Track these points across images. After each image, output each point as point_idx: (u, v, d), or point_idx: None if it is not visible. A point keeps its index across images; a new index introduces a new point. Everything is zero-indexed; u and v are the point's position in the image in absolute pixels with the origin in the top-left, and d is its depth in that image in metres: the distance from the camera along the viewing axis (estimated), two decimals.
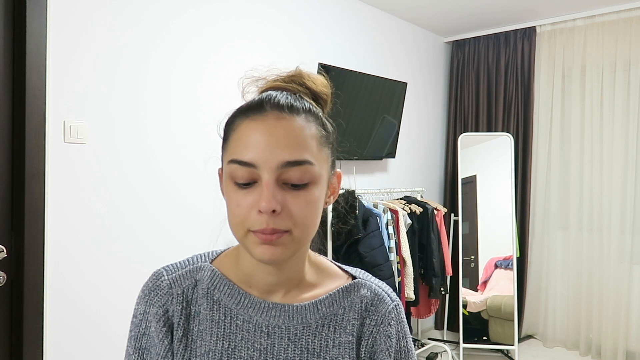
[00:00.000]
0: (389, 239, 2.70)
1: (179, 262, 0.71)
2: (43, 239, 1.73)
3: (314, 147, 0.62)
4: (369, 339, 0.69)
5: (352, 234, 2.52)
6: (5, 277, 1.66)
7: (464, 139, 3.46)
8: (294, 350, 0.66)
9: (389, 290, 0.73)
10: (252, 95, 0.66)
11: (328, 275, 0.73)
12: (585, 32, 3.29)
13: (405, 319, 0.73)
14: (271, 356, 0.65)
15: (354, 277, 0.73)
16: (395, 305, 0.72)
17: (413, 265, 2.84)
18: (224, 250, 0.74)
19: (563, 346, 3.45)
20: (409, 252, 2.81)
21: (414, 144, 3.63)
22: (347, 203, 2.54)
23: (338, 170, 0.70)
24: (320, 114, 0.66)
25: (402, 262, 2.78)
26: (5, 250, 1.65)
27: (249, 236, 0.60)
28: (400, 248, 2.78)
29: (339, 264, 0.76)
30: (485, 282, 3.32)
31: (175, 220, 2.16)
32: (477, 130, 3.76)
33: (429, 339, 3.45)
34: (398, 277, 2.71)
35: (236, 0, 2.38)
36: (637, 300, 3.13)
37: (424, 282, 3.05)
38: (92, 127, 1.87)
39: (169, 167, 2.13)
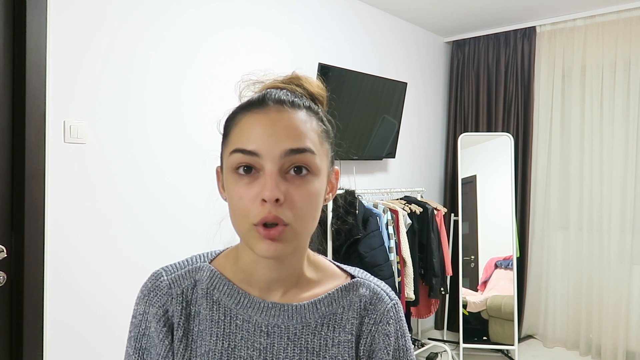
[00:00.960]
0: (389, 239, 2.70)
1: (178, 263, 0.71)
2: (43, 239, 1.73)
3: (315, 140, 0.63)
4: (367, 337, 0.69)
5: (352, 234, 2.52)
6: (5, 277, 1.66)
7: (464, 139, 3.46)
8: (294, 349, 0.66)
9: (388, 289, 0.74)
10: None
11: (327, 275, 0.73)
12: (585, 32, 3.29)
13: (404, 318, 0.73)
14: (271, 355, 0.65)
15: (352, 277, 0.73)
16: (394, 304, 0.72)
17: (413, 265, 2.83)
18: (223, 251, 0.74)
19: (563, 346, 3.45)
20: (409, 252, 2.81)
21: (414, 144, 3.63)
22: (347, 202, 2.54)
23: (336, 167, 0.71)
24: (320, 111, 0.67)
25: (402, 262, 2.78)
26: (5, 250, 1.65)
27: (252, 231, 0.60)
28: (400, 248, 2.78)
29: (338, 263, 0.76)
30: (485, 282, 3.32)
31: (175, 220, 2.16)
32: (477, 130, 3.76)
33: (429, 339, 3.45)
34: (398, 277, 2.71)
35: (236, 0, 2.38)
36: (637, 300, 3.13)
37: (424, 282, 3.05)
38: (92, 127, 1.87)
39: (168, 167, 2.13)
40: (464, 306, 3.31)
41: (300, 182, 0.61)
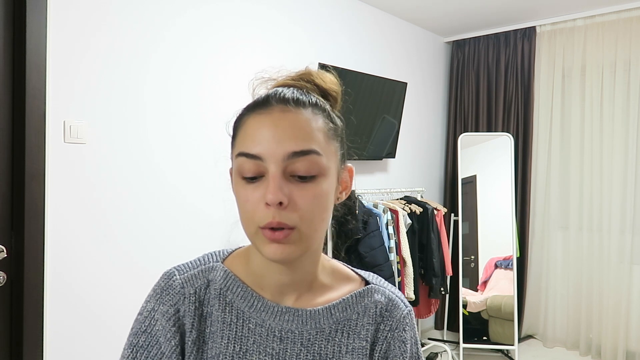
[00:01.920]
0: (389, 239, 2.70)
1: (190, 262, 0.70)
2: (43, 239, 1.73)
3: (321, 139, 0.61)
4: (382, 344, 0.68)
5: (352, 234, 2.52)
6: (5, 277, 1.66)
7: (464, 139, 3.46)
8: (307, 355, 0.65)
9: (402, 296, 0.73)
10: None
11: (341, 279, 0.72)
12: (585, 32, 3.29)
13: (416, 326, 0.73)
14: None
15: (367, 282, 0.72)
16: (409, 311, 0.71)
17: (413, 265, 2.84)
18: (234, 250, 0.72)
19: (563, 346, 3.45)
20: (409, 252, 2.81)
21: (414, 144, 3.63)
22: (348, 202, 2.54)
23: (349, 164, 0.69)
24: (328, 107, 0.65)
25: (402, 262, 2.78)
26: (5, 250, 1.65)
27: (258, 234, 0.59)
28: (400, 248, 2.78)
29: (353, 268, 0.75)
30: (485, 282, 3.32)
31: (175, 220, 2.16)
32: (477, 130, 3.76)
33: (429, 339, 3.45)
34: (398, 277, 2.71)
35: (236, 0, 2.38)
36: (637, 300, 3.13)
37: (424, 282, 3.05)
38: (92, 127, 1.87)
39: (168, 167, 2.13)
40: (464, 306, 3.31)
41: (306, 183, 0.59)
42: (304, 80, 0.66)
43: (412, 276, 2.80)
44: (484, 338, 3.31)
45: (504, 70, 3.63)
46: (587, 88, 3.29)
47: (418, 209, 3.01)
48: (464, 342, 3.25)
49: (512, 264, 3.28)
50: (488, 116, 3.74)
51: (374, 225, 2.60)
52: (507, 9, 3.26)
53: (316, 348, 0.65)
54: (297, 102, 0.61)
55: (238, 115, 0.65)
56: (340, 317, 0.67)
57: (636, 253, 3.14)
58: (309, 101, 0.62)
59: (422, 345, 3.31)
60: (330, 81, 0.67)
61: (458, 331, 3.30)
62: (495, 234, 3.35)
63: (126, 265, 1.98)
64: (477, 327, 3.31)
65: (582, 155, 3.34)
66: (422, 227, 3.03)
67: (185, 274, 0.67)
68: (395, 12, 3.31)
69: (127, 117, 1.98)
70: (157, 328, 0.65)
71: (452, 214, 3.58)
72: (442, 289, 3.07)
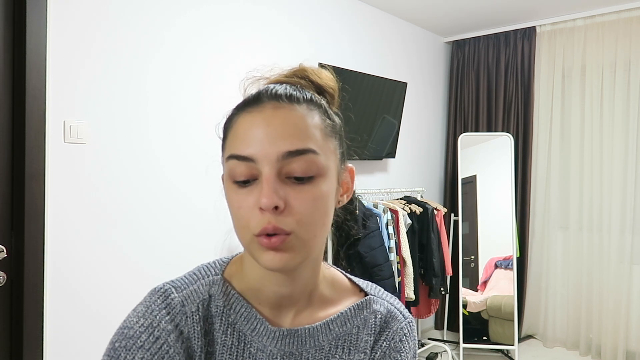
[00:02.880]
0: (389, 239, 2.70)
1: (186, 277, 0.63)
2: (43, 239, 1.73)
3: (317, 137, 0.56)
4: (377, 352, 0.66)
5: (352, 234, 2.52)
6: (5, 277, 1.66)
7: (464, 139, 3.46)
8: None
9: (402, 307, 0.71)
10: None
11: (341, 291, 0.69)
12: (585, 32, 3.29)
13: (416, 337, 0.71)
14: None
15: (365, 293, 0.70)
16: (408, 322, 0.69)
17: (413, 265, 2.84)
18: (230, 260, 0.67)
19: (563, 346, 3.45)
20: (409, 252, 2.81)
21: (414, 144, 3.63)
22: (349, 205, 2.54)
23: (349, 165, 0.64)
24: (325, 103, 0.61)
25: (402, 262, 2.78)
26: (5, 250, 1.65)
27: (254, 242, 0.55)
28: (400, 248, 2.78)
29: (350, 276, 0.72)
30: (485, 282, 3.32)
31: (175, 220, 2.16)
32: (477, 130, 3.76)
33: (429, 339, 3.45)
34: (398, 277, 2.71)
35: (236, 1, 2.38)
36: (637, 300, 3.13)
37: (424, 282, 3.05)
38: (92, 127, 1.87)
39: (169, 166, 2.13)
40: (464, 306, 3.31)
41: (303, 185, 0.55)
42: (298, 77, 0.62)
43: (412, 276, 2.80)
44: (484, 338, 3.31)
45: (504, 70, 3.63)
46: (587, 88, 3.29)
47: (418, 209, 3.01)
48: (464, 342, 3.25)
49: (512, 264, 3.28)
50: (488, 116, 3.74)
51: (374, 225, 2.60)
52: (507, 9, 3.26)
53: None
54: (291, 98, 0.57)
55: (228, 115, 0.60)
56: (340, 332, 0.65)
57: (636, 253, 3.14)
58: (304, 97, 0.58)
59: (422, 345, 3.31)
60: (326, 77, 0.64)
61: (458, 331, 3.30)
62: (495, 234, 3.35)
63: (126, 265, 1.98)
64: (477, 327, 3.31)
65: (582, 155, 3.34)
66: (422, 227, 3.03)
67: (184, 291, 0.61)
68: (395, 12, 3.31)
69: (127, 117, 1.98)
70: (157, 346, 0.56)
71: (452, 214, 3.58)
72: (442, 289, 3.07)
